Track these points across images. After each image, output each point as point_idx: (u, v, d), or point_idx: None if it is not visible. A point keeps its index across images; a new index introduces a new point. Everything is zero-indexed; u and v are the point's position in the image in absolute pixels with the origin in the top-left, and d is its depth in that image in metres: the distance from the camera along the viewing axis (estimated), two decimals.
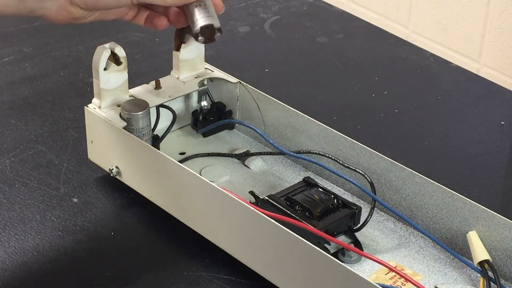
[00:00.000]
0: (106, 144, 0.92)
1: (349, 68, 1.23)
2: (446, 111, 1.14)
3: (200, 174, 0.93)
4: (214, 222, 0.84)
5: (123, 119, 0.90)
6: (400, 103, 1.15)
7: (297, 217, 0.84)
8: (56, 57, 1.20)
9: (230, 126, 1.01)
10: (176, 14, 0.84)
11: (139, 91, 0.96)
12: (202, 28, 0.83)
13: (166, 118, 0.96)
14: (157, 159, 0.86)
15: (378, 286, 0.72)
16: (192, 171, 0.83)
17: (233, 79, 0.99)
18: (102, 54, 0.90)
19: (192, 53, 0.97)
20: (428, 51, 1.27)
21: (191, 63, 0.98)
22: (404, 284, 0.82)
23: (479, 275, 0.83)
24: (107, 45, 0.91)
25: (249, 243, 0.81)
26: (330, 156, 0.92)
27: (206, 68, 1.00)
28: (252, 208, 0.79)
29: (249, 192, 0.89)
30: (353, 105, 1.14)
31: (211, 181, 0.82)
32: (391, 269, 0.80)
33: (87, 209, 0.92)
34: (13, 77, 1.15)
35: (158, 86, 0.97)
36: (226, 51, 1.24)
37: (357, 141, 0.91)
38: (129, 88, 0.95)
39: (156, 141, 0.94)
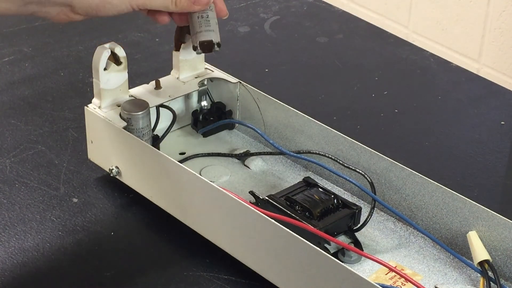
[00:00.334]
0: (106, 144, 0.92)
1: (349, 68, 1.23)
2: (446, 111, 1.14)
3: (200, 174, 0.93)
4: (214, 222, 0.84)
5: (123, 119, 0.90)
6: (400, 103, 1.15)
7: (297, 217, 0.84)
8: (56, 57, 1.20)
9: (230, 126, 1.01)
10: (179, 14, 0.85)
11: (139, 91, 0.96)
12: (200, 43, 0.84)
13: (166, 118, 0.96)
14: (157, 159, 0.86)
15: (378, 286, 0.72)
16: (192, 171, 0.83)
17: (233, 79, 0.99)
18: (102, 54, 0.90)
19: (192, 53, 0.97)
20: (428, 51, 1.27)
21: (191, 63, 0.98)
22: (404, 284, 0.82)
23: (479, 275, 0.83)
24: (107, 45, 0.91)
25: (249, 243, 0.81)
26: (330, 156, 0.92)
27: (206, 68, 1.00)
28: (252, 208, 0.79)
29: (249, 192, 0.89)
30: (353, 105, 1.14)
31: (211, 181, 0.82)
32: (391, 269, 0.80)
33: (87, 209, 0.92)
34: (13, 77, 1.15)
35: (158, 86, 0.97)
36: (226, 51, 1.23)
37: (357, 141, 0.91)
38: (129, 88, 0.95)
39: (156, 141, 0.94)
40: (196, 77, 0.99)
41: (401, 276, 0.79)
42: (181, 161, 0.93)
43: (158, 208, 0.89)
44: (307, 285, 0.77)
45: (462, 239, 0.85)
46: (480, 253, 0.82)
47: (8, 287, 0.82)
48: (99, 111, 0.92)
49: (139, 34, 1.27)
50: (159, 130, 0.95)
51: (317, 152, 0.93)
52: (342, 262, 0.80)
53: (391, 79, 1.21)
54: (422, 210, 0.87)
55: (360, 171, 0.89)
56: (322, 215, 0.85)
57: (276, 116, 0.97)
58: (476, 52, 1.52)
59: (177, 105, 0.99)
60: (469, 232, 0.84)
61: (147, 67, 1.18)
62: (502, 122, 1.11)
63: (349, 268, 0.73)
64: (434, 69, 1.23)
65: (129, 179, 0.92)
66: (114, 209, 0.92)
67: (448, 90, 1.19)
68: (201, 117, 1.00)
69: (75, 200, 0.93)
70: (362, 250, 0.85)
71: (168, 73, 0.99)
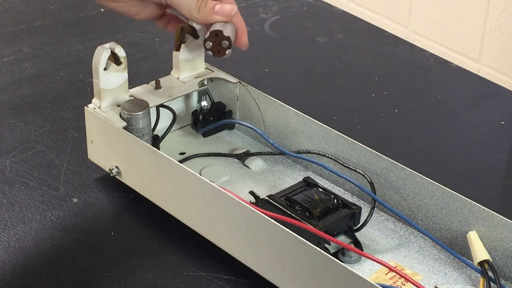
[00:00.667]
0: (106, 144, 0.92)
1: (349, 68, 1.23)
2: (446, 111, 1.14)
3: (200, 174, 0.93)
4: (214, 222, 0.84)
5: (123, 119, 0.90)
6: (400, 103, 1.15)
7: (297, 217, 0.84)
8: (56, 57, 1.20)
9: (230, 126, 1.01)
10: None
11: (139, 91, 0.96)
12: (211, 33, 0.86)
13: (166, 118, 0.96)
14: (157, 159, 0.86)
15: (378, 286, 0.72)
16: (192, 171, 0.83)
17: (233, 79, 0.99)
18: (102, 54, 0.90)
19: (192, 53, 0.97)
20: (428, 51, 1.27)
21: (191, 63, 0.98)
22: (404, 284, 0.82)
23: (479, 275, 0.83)
24: (107, 45, 0.91)
25: (249, 243, 0.81)
26: (330, 156, 0.92)
27: (206, 68, 1.00)
28: (252, 208, 0.79)
29: (249, 192, 0.89)
30: (353, 105, 1.14)
31: (211, 181, 0.82)
32: (391, 269, 0.80)
33: (87, 209, 0.92)
34: (13, 77, 1.15)
35: (158, 86, 0.97)
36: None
37: (357, 141, 0.91)
38: (129, 88, 0.95)
39: (156, 141, 0.94)
40: (196, 77, 0.99)
41: (401, 276, 0.79)
42: (181, 161, 0.93)
43: (158, 208, 0.89)
44: (307, 285, 0.77)
45: (462, 239, 0.85)
46: (480, 253, 0.82)
47: (8, 287, 0.82)
48: (99, 111, 0.92)
49: (139, 34, 1.27)
50: (159, 130, 0.95)
51: (317, 152, 0.93)
52: (342, 262, 0.80)
53: (391, 79, 1.21)
54: (422, 210, 0.87)
55: (360, 171, 0.89)
56: (322, 215, 0.85)
57: (276, 116, 0.97)
58: (476, 52, 1.52)
59: (177, 105, 0.99)
60: (469, 232, 0.84)
61: (147, 67, 1.18)
62: (502, 122, 1.11)
63: (349, 268, 0.73)
64: (434, 69, 1.23)
65: (129, 179, 0.92)
66: (114, 209, 0.92)
67: (448, 90, 1.19)
68: (201, 117, 1.00)
69: (75, 200, 0.93)
70: (362, 250, 0.85)
71: (168, 73, 0.99)
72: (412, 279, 0.78)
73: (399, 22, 1.65)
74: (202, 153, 0.97)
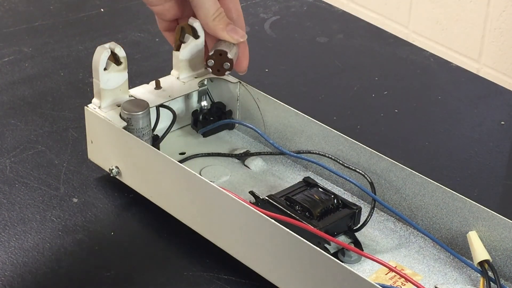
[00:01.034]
0: (106, 144, 0.92)
1: (349, 68, 1.23)
2: (446, 111, 1.14)
3: (200, 174, 0.93)
4: (214, 222, 0.84)
5: (123, 119, 0.90)
6: (400, 103, 1.15)
7: (297, 217, 0.84)
8: (56, 57, 1.20)
9: (230, 126, 1.01)
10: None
11: (139, 91, 0.96)
12: (215, 51, 0.90)
13: (166, 118, 0.96)
14: (157, 159, 0.86)
15: (378, 286, 0.72)
16: (192, 171, 0.83)
17: (233, 79, 0.99)
18: (102, 54, 0.90)
19: (192, 53, 0.97)
20: (428, 51, 1.27)
21: (191, 63, 0.98)
22: (404, 284, 0.82)
23: (479, 275, 0.83)
24: (107, 45, 0.91)
25: (249, 243, 0.81)
26: (330, 156, 0.92)
27: (206, 68, 1.00)
28: (252, 208, 0.79)
29: (249, 192, 0.89)
30: (353, 105, 1.14)
31: (211, 181, 0.82)
32: (391, 269, 0.80)
33: (87, 209, 0.92)
34: (13, 77, 1.15)
35: (158, 86, 0.97)
36: None
37: (357, 141, 0.91)
38: (129, 88, 0.95)
39: (156, 141, 0.94)
40: (196, 77, 0.99)
41: (401, 276, 0.79)
42: (181, 161, 0.93)
43: (158, 208, 0.89)
44: (307, 285, 0.77)
45: (462, 239, 0.85)
46: (480, 253, 0.82)
47: (8, 287, 0.82)
48: (99, 111, 0.92)
49: (139, 34, 1.27)
50: (159, 130, 0.95)
51: (317, 152, 0.93)
52: (342, 262, 0.80)
53: (391, 79, 1.21)
54: (422, 210, 0.87)
55: (360, 171, 0.89)
56: (322, 215, 0.85)
57: (276, 116, 0.97)
58: (476, 52, 1.52)
59: (177, 105, 0.99)
60: (469, 232, 0.84)
61: (147, 67, 1.18)
62: (502, 122, 1.11)
63: (349, 268, 0.73)
64: (434, 69, 1.23)
65: (129, 179, 0.92)
66: (114, 209, 0.92)
67: (448, 90, 1.19)
68: (201, 117, 1.00)
69: (75, 200, 0.93)
70: (362, 250, 0.85)
71: (168, 73, 0.99)
72: (412, 279, 0.78)
73: (399, 22, 1.65)
74: (202, 153, 0.97)
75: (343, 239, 0.86)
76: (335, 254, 0.84)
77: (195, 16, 0.92)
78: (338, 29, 1.33)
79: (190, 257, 0.86)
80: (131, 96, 0.94)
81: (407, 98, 1.16)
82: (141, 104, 0.91)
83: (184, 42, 0.96)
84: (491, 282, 0.81)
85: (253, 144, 1.00)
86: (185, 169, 0.84)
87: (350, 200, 0.89)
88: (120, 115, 0.91)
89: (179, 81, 0.98)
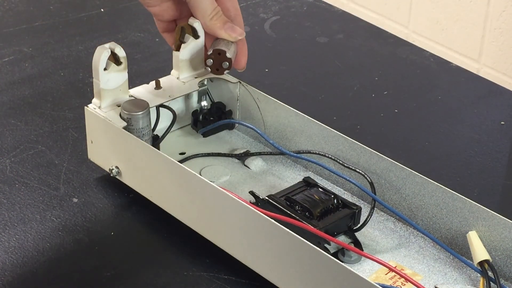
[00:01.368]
0: (106, 144, 0.92)
1: (349, 68, 1.23)
2: (446, 111, 1.14)
3: (200, 174, 0.93)
4: (214, 222, 0.84)
5: (123, 119, 0.90)
6: (400, 103, 1.15)
7: (297, 217, 0.84)
8: (56, 57, 1.20)
9: (230, 126, 1.01)
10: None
11: (139, 91, 0.96)
12: (214, 51, 0.91)
13: (166, 118, 0.96)
14: (157, 159, 0.86)
15: (378, 286, 0.72)
16: (192, 171, 0.83)
17: (233, 79, 0.99)
18: (102, 54, 0.90)
19: (192, 53, 0.97)
20: (428, 51, 1.27)
21: (191, 63, 0.98)
22: (404, 284, 0.82)
23: (479, 275, 0.83)
24: (107, 45, 0.91)
25: (249, 243, 0.81)
26: (330, 156, 0.92)
27: (206, 68, 1.00)
28: (252, 208, 0.79)
29: (249, 192, 0.89)
30: (353, 105, 1.14)
31: (211, 181, 0.82)
32: (391, 269, 0.80)
33: (87, 209, 0.92)
34: (13, 77, 1.15)
35: (158, 86, 0.97)
36: None
37: (357, 141, 0.91)
38: (129, 88, 0.95)
39: (156, 141, 0.94)
40: (196, 77, 0.99)
41: (401, 276, 0.79)
42: (181, 161, 0.93)
43: (158, 208, 0.89)
44: (307, 285, 0.77)
45: (462, 239, 0.85)
46: (480, 253, 0.82)
47: (8, 287, 0.82)
48: (99, 111, 0.92)
49: (139, 34, 1.27)
50: (159, 130, 0.95)
51: (317, 152, 0.93)
52: (342, 262, 0.80)
53: (391, 79, 1.21)
54: (422, 210, 0.87)
55: (360, 171, 0.89)
56: (322, 215, 0.85)
57: (276, 116, 0.97)
58: (476, 52, 1.52)
59: (177, 105, 0.99)
60: (469, 232, 0.84)
61: (147, 67, 1.18)
62: (502, 122, 1.11)
63: (349, 268, 0.73)
64: (434, 69, 1.23)
65: (129, 179, 0.92)
66: (114, 209, 0.92)
67: (448, 90, 1.19)
68: (201, 117, 1.00)
69: (75, 200, 0.93)
70: (362, 250, 0.85)
71: (168, 73, 0.99)
72: (412, 279, 0.78)
73: (399, 22, 1.65)
74: (202, 153, 0.97)
75: (343, 239, 0.86)
76: (335, 254, 0.84)
77: (193, 16, 0.93)
78: (338, 29, 1.33)
79: (190, 257, 0.86)
80: (131, 96, 0.94)
81: (407, 98, 1.16)
82: (141, 104, 0.91)
83: (184, 42, 0.96)
84: (491, 282, 0.81)
85: (253, 144, 1.00)
86: (185, 169, 0.84)
87: (350, 200, 0.89)
88: (120, 115, 0.91)
89: (179, 81, 0.98)
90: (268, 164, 0.97)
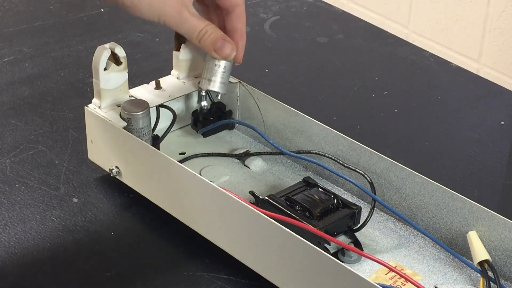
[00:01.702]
0: (106, 144, 0.92)
1: (349, 68, 1.23)
2: (446, 111, 1.14)
3: (200, 174, 0.93)
4: (214, 222, 0.84)
5: (123, 119, 0.90)
6: (400, 103, 1.15)
7: (297, 217, 0.84)
8: (56, 57, 1.20)
9: (230, 126, 1.01)
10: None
11: (139, 91, 0.96)
12: (208, 90, 0.92)
13: (166, 118, 0.96)
14: (157, 159, 0.86)
15: (378, 286, 0.72)
16: (192, 171, 0.83)
17: (233, 79, 0.99)
18: (102, 54, 0.90)
19: (192, 53, 0.97)
20: (428, 51, 1.27)
21: (191, 63, 0.98)
22: (404, 284, 0.82)
23: (479, 275, 0.83)
24: (107, 45, 0.91)
25: (249, 243, 0.81)
26: (330, 156, 0.92)
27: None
28: (252, 208, 0.79)
29: (249, 192, 0.89)
30: (353, 105, 1.14)
31: (211, 181, 0.82)
32: (391, 269, 0.80)
33: (87, 209, 0.92)
34: (13, 77, 1.15)
35: (158, 86, 0.97)
36: None
37: (357, 141, 0.91)
38: (129, 88, 0.95)
39: (156, 141, 0.94)
40: (196, 77, 0.99)
41: (401, 276, 0.79)
42: (181, 161, 0.93)
43: (158, 208, 0.89)
44: (307, 285, 0.77)
45: (462, 239, 0.85)
46: (480, 253, 0.82)
47: (8, 287, 0.82)
48: (99, 111, 0.92)
49: (139, 34, 1.27)
50: (159, 130, 0.95)
51: (317, 152, 0.93)
52: (342, 262, 0.80)
53: (391, 79, 1.21)
54: (422, 210, 0.87)
55: (360, 171, 0.89)
56: (322, 215, 0.85)
57: (276, 116, 0.97)
58: (476, 52, 1.52)
59: (177, 105, 0.99)
60: (469, 232, 0.84)
61: (147, 67, 1.18)
62: (502, 122, 1.11)
63: (349, 268, 0.73)
64: (434, 69, 1.23)
65: (129, 179, 0.92)
66: (114, 209, 0.92)
67: (448, 90, 1.19)
68: (201, 117, 1.00)
69: (75, 200, 0.93)
70: (362, 250, 0.85)
71: (168, 73, 0.99)
72: (412, 279, 0.78)
73: (399, 22, 1.65)
74: (202, 153, 0.97)
75: (343, 239, 0.86)
76: (335, 254, 0.84)
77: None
78: (338, 29, 1.33)
79: (190, 257, 0.86)
80: (131, 96, 0.94)
81: (407, 98, 1.16)
82: (141, 104, 0.91)
83: (184, 42, 0.96)
84: (491, 282, 0.81)
85: (253, 144, 1.00)
86: (185, 169, 0.84)
87: (350, 200, 0.89)
88: (120, 115, 0.91)
89: (179, 81, 0.98)
90: (268, 164, 0.97)
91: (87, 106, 0.93)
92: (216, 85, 0.91)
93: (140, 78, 1.08)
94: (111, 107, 0.92)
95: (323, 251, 0.75)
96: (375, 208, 0.88)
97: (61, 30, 1.27)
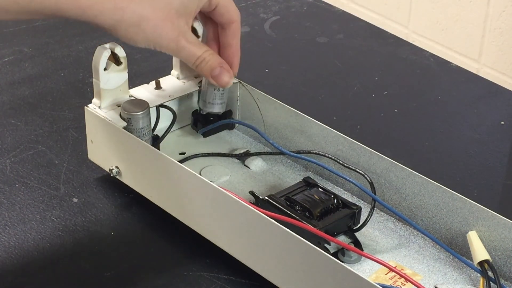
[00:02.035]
0: (106, 144, 0.92)
1: (349, 68, 1.23)
2: (446, 111, 1.14)
3: (200, 174, 0.93)
4: (214, 222, 0.84)
5: (123, 119, 0.90)
6: (400, 103, 1.15)
7: (297, 217, 0.84)
8: (56, 57, 1.20)
9: (230, 126, 1.01)
10: None
11: (139, 91, 0.96)
12: (208, 112, 0.96)
13: (166, 118, 0.96)
14: (157, 159, 0.86)
15: (378, 286, 0.72)
16: (192, 171, 0.83)
17: (233, 79, 0.99)
18: (102, 54, 0.90)
19: None
20: (428, 51, 1.27)
21: None
22: (404, 284, 0.82)
23: (479, 275, 0.83)
24: (107, 45, 0.91)
25: (249, 243, 0.81)
26: (330, 156, 0.92)
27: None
28: (252, 208, 0.79)
29: (249, 192, 0.89)
30: (353, 105, 1.14)
31: (211, 181, 0.82)
32: (391, 269, 0.80)
33: (87, 209, 0.92)
34: (13, 77, 1.15)
35: (158, 86, 0.97)
36: None
37: (357, 141, 0.91)
38: (129, 88, 0.95)
39: (156, 141, 0.94)
40: (196, 77, 0.99)
41: (401, 276, 0.79)
42: (181, 161, 0.93)
43: (158, 208, 0.89)
44: (307, 285, 0.77)
45: (462, 239, 0.85)
46: (480, 253, 0.82)
47: (8, 287, 0.82)
48: (99, 111, 0.92)
49: None
50: (159, 130, 0.95)
51: (317, 152, 0.93)
52: (342, 262, 0.80)
53: (391, 79, 1.21)
54: (422, 210, 0.87)
55: (360, 171, 0.89)
56: (322, 215, 0.85)
57: (276, 116, 0.97)
58: (476, 52, 1.52)
59: (177, 105, 0.99)
60: (469, 232, 0.84)
61: (147, 67, 1.18)
62: (502, 122, 1.11)
63: (349, 268, 0.73)
64: (434, 69, 1.23)
65: (129, 179, 0.92)
66: (114, 209, 0.92)
67: (448, 90, 1.19)
68: (201, 117, 0.99)
69: (75, 200, 0.93)
70: (362, 250, 0.85)
71: (168, 73, 0.99)
72: (412, 279, 0.78)
73: (399, 22, 1.65)
74: (202, 153, 0.97)
75: (343, 239, 0.86)
76: (335, 254, 0.84)
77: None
78: (338, 29, 1.33)
79: (190, 257, 0.86)
80: (131, 96, 0.94)
81: (407, 98, 1.16)
82: (141, 104, 0.91)
83: None
84: (491, 282, 0.81)
85: (253, 144, 1.00)
86: (185, 169, 0.84)
87: (350, 200, 0.89)
88: (120, 115, 0.91)
89: (179, 81, 0.98)
90: (268, 164, 0.97)
91: (87, 106, 0.93)
92: (216, 107, 0.96)
93: (140, 78, 1.08)
94: (111, 107, 0.92)
95: (323, 251, 0.75)
96: (375, 208, 0.88)
97: (61, 30, 1.27)
